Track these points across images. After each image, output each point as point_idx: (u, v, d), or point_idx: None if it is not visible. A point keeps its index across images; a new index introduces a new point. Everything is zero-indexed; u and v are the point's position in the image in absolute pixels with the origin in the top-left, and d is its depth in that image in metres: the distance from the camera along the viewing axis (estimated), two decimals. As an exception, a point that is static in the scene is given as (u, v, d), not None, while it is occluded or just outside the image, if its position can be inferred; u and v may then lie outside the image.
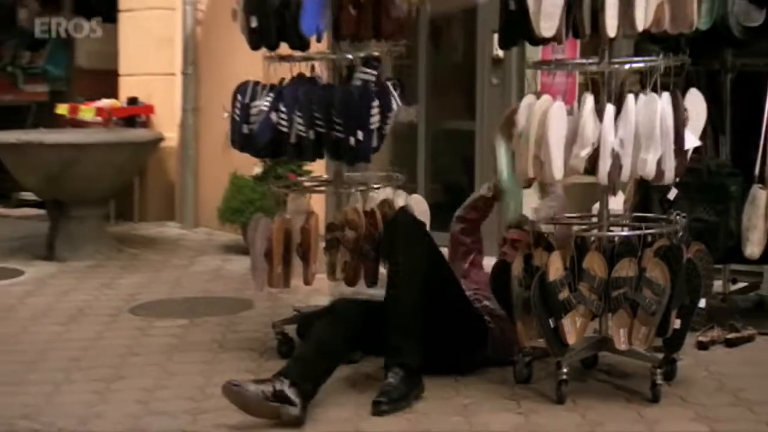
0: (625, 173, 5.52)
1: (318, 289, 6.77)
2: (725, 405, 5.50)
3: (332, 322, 5.74)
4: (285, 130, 6.35)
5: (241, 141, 6.57)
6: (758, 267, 6.92)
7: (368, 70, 6.38)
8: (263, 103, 6.39)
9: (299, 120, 6.30)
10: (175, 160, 10.84)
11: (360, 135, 6.18)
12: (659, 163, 5.47)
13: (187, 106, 10.70)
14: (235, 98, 6.56)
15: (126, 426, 5.34)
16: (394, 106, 6.36)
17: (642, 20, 5.48)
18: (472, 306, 5.97)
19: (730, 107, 6.48)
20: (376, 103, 6.27)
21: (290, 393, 5.14)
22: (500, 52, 8.04)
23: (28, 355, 6.55)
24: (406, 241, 5.83)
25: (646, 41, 6.25)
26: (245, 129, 6.48)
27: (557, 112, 5.52)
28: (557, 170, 5.50)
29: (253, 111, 6.42)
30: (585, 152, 5.45)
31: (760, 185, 6.39)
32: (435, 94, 9.21)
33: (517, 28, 5.69)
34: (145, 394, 5.80)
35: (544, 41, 5.69)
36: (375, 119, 6.24)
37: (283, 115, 6.34)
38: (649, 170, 5.47)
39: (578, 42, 6.12)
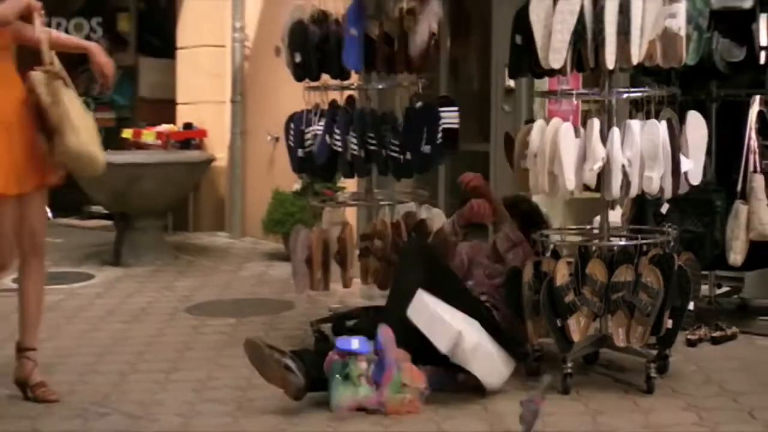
0: (633, 189, 5.53)
1: (351, 292, 6.79)
2: (711, 395, 5.49)
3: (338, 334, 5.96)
4: (339, 149, 6.38)
5: (299, 164, 6.63)
6: (740, 273, 6.89)
7: (449, 110, 6.47)
8: (318, 127, 6.42)
9: (353, 140, 6.33)
10: (225, 178, 10.87)
11: (409, 155, 6.25)
12: (661, 181, 5.51)
13: (236, 131, 10.73)
14: (288, 126, 6.60)
15: (182, 411, 5.38)
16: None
17: (637, 55, 5.48)
18: (484, 308, 5.92)
19: (715, 133, 6.45)
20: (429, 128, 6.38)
21: (297, 370, 5.19)
22: (512, 83, 8.03)
23: (98, 349, 6.59)
24: (404, 265, 5.86)
25: (641, 74, 6.25)
26: (300, 153, 6.52)
27: (567, 132, 5.54)
28: (570, 183, 5.50)
29: (308, 136, 6.45)
30: (597, 166, 5.46)
31: (741, 201, 6.36)
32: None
33: (523, 60, 5.73)
34: (198, 384, 5.83)
35: (551, 73, 5.72)
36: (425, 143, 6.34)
37: (337, 137, 6.37)
38: (654, 187, 5.49)
39: (580, 74, 6.10)
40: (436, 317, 5.36)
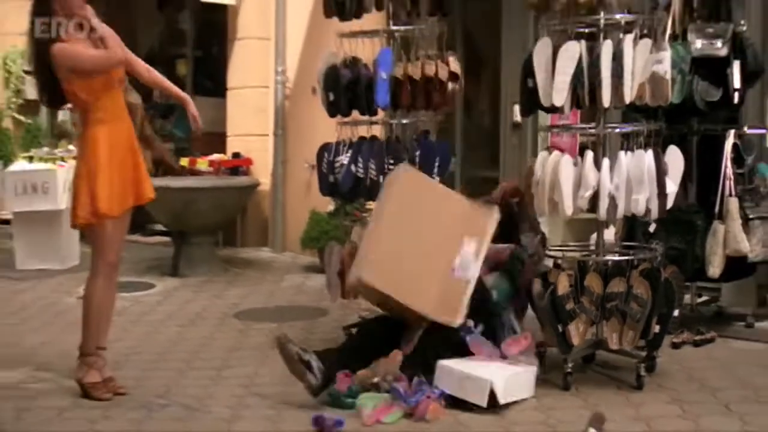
0: (620, 211, 5.53)
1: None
2: (693, 391, 5.47)
3: (363, 335, 5.94)
4: (362, 176, 6.39)
5: (329, 188, 6.66)
6: (718, 284, 6.85)
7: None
8: (344, 158, 6.43)
9: (372, 167, 6.35)
10: (268, 200, 10.85)
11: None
12: (647, 203, 5.47)
13: (277, 159, 10.72)
14: (320, 156, 6.62)
15: (231, 403, 5.36)
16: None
17: (629, 95, 5.48)
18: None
19: (696, 162, 6.44)
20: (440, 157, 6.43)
21: (317, 370, 5.18)
22: (519, 119, 8.02)
23: (159, 349, 6.58)
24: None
25: (632, 111, 6.22)
26: (331, 179, 6.54)
27: (565, 163, 5.53)
28: (568, 208, 5.52)
29: (337, 165, 6.47)
30: (588, 194, 5.47)
31: (719, 221, 6.38)
32: (468, 150, 9.21)
33: (533, 101, 5.71)
34: (246, 380, 5.81)
35: (554, 110, 5.70)
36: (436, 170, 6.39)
37: (360, 165, 6.39)
38: (640, 209, 5.50)
39: (579, 111, 6.07)
40: (464, 377, 5.15)
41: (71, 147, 11.44)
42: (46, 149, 11.57)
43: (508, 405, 5.11)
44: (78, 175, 5.42)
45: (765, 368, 5.88)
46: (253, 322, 7.41)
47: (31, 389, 5.70)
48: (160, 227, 11.12)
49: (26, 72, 14.36)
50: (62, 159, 10.28)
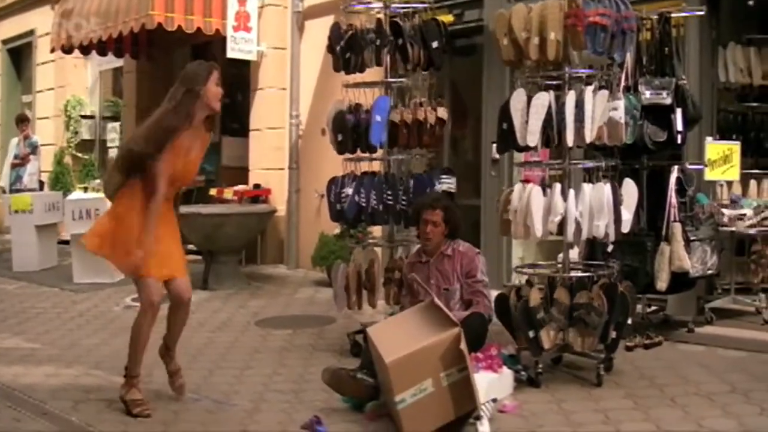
0: (584, 234, 5.52)
1: (378, 311, 6.71)
2: (644, 387, 5.44)
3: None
4: (364, 205, 6.39)
5: (336, 215, 6.67)
6: (664, 296, 6.82)
7: (449, 177, 6.46)
8: (349, 190, 6.44)
9: (373, 197, 6.35)
10: (284, 224, 10.83)
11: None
12: (606, 227, 5.46)
13: (292, 189, 10.72)
14: (330, 187, 6.63)
15: (253, 398, 5.32)
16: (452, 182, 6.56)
17: (589, 136, 5.49)
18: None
19: (646, 192, 6.43)
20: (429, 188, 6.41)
21: (367, 377, 5.00)
22: (497, 155, 8.01)
23: (192, 351, 6.52)
24: None
25: (592, 149, 6.22)
26: (338, 207, 6.54)
27: (536, 194, 5.52)
28: (538, 231, 5.52)
29: (343, 195, 6.48)
30: (557, 219, 5.46)
31: (665, 242, 6.37)
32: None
33: (507, 140, 5.70)
34: (266, 379, 5.78)
35: (527, 149, 5.69)
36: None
37: (362, 196, 6.39)
38: (600, 232, 5.48)
39: (548, 149, 6.07)
40: None
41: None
42: (98, 181, 11.59)
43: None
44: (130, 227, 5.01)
45: (704, 367, 5.85)
46: (271, 329, 7.37)
47: (86, 384, 5.68)
48: (192, 247, 11.09)
49: (83, 116, 14.48)
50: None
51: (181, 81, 5.02)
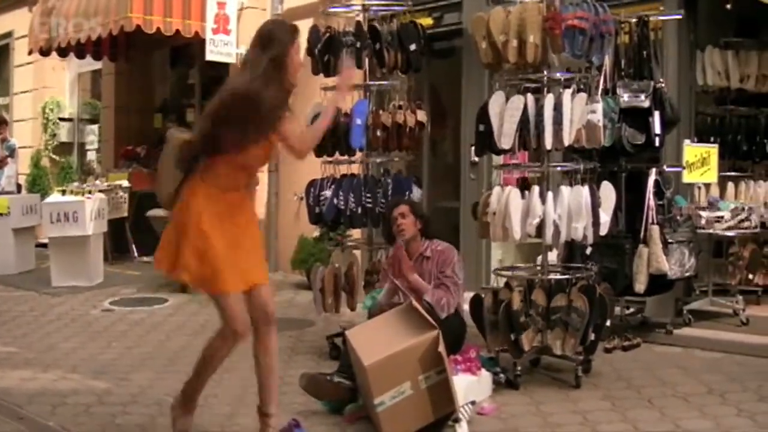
0: (562, 237, 5.54)
1: (357, 314, 6.70)
2: (622, 389, 5.47)
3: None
4: (342, 207, 6.39)
5: (315, 218, 6.67)
6: (643, 298, 6.85)
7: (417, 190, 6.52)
8: (328, 192, 6.44)
9: (352, 199, 6.35)
10: (263, 227, 10.77)
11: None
12: (584, 230, 5.48)
13: (271, 192, 10.67)
14: (308, 190, 6.62)
15: (232, 402, 5.31)
16: (417, 193, 6.51)
17: (567, 139, 5.50)
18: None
19: (624, 195, 6.46)
20: (410, 191, 6.44)
21: (345, 380, 5.01)
22: (476, 158, 8.03)
23: (171, 354, 6.53)
24: None
25: (570, 152, 6.24)
26: (317, 209, 6.55)
27: (515, 196, 5.54)
28: (517, 234, 5.53)
29: (322, 198, 6.48)
30: (535, 221, 5.48)
31: (643, 245, 6.41)
32: (434, 183, 9.21)
33: (484, 143, 5.71)
34: (245, 381, 5.72)
35: (503, 152, 5.71)
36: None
37: (341, 198, 6.40)
38: (579, 235, 5.49)
39: (527, 152, 6.08)
40: None
41: (97, 182, 11.40)
42: (76, 184, 11.52)
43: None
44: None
45: (682, 368, 5.89)
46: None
47: (63, 388, 5.65)
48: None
49: (61, 119, 14.41)
50: (90, 192, 10.24)
51: (261, 46, 4.17)
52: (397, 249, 5.59)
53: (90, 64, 13.59)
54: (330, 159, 6.61)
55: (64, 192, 10.51)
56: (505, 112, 5.50)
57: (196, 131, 4.30)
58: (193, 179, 4.22)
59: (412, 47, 6.48)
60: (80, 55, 12.20)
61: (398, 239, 5.70)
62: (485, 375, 5.24)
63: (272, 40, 4.14)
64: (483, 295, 5.78)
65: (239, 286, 4.27)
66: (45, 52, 11.92)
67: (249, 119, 4.06)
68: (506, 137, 5.51)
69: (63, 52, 11.91)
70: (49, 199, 10.25)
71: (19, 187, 12.79)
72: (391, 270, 5.60)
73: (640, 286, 6.42)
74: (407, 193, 6.40)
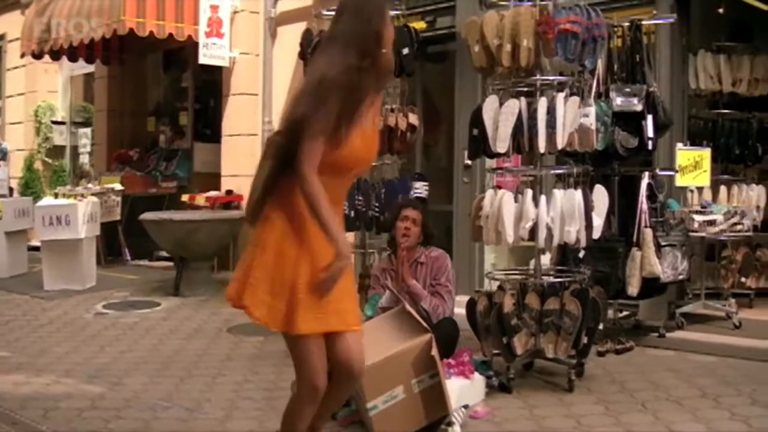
0: (555, 240, 5.54)
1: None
2: (615, 392, 5.46)
3: None
4: (333, 210, 6.39)
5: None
6: (636, 301, 6.86)
7: (422, 183, 6.47)
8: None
9: (345, 203, 6.31)
10: (257, 231, 10.78)
11: (387, 214, 6.24)
12: (577, 233, 5.49)
13: (264, 196, 10.68)
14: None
15: (225, 406, 5.30)
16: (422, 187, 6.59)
17: (560, 143, 5.51)
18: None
19: (617, 198, 6.47)
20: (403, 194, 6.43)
21: None
22: (469, 161, 8.03)
23: (163, 358, 6.50)
24: None
25: (563, 156, 6.25)
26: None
27: (508, 199, 5.53)
28: (509, 237, 5.52)
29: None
30: (528, 225, 5.47)
31: (636, 248, 6.40)
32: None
33: (478, 147, 5.72)
34: (237, 386, 5.75)
35: (498, 155, 5.71)
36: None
37: (332, 201, 6.39)
38: (572, 238, 5.50)
39: (520, 156, 6.09)
40: None
41: (90, 185, 11.40)
42: (68, 187, 11.52)
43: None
44: None
45: (675, 372, 5.89)
46: (243, 336, 7.32)
47: (56, 393, 5.62)
48: (164, 254, 11.06)
49: (54, 122, 14.42)
50: (82, 195, 10.23)
51: (352, 19, 3.44)
52: (401, 256, 5.62)
53: (83, 67, 13.59)
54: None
55: (56, 195, 10.51)
56: (500, 116, 5.50)
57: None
58: (286, 189, 3.48)
59: (405, 51, 6.48)
60: (73, 58, 12.19)
61: (399, 240, 5.71)
62: (478, 379, 5.24)
63: (364, 12, 3.43)
64: (477, 299, 5.77)
65: (323, 326, 3.44)
66: (38, 55, 11.92)
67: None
68: (502, 141, 5.51)
69: (56, 55, 11.90)
70: (42, 203, 10.24)
71: (11, 190, 12.79)
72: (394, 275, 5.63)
73: (633, 289, 6.43)
74: (402, 193, 6.40)
